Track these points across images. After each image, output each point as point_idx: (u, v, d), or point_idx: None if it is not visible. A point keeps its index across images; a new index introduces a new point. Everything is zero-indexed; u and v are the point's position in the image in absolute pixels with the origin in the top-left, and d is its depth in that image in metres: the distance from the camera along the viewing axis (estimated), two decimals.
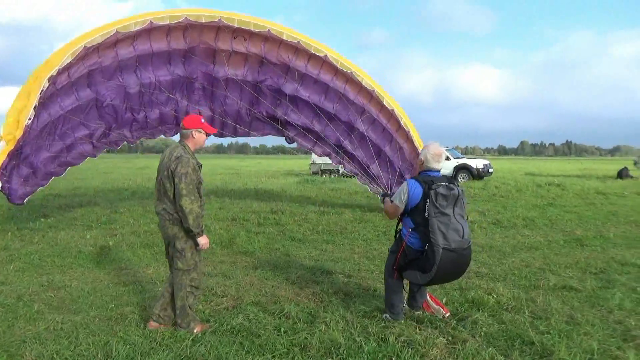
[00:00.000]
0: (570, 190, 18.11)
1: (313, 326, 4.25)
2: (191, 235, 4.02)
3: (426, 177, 4.10)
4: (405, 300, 4.62)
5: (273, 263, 6.81)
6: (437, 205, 3.90)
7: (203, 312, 4.62)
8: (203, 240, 4.08)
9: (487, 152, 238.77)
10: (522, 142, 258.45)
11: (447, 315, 4.51)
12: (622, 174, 26.80)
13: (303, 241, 8.51)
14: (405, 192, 4.09)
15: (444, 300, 4.96)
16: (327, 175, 28.62)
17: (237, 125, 10.17)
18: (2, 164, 6.46)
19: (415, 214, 4.08)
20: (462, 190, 4.05)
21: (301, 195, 16.22)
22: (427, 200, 3.94)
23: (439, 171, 4.24)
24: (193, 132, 4.14)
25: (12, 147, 6.51)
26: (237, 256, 7.32)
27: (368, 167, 10.46)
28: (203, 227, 4.06)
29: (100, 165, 47.86)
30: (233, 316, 4.48)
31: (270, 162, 65.09)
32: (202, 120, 4.24)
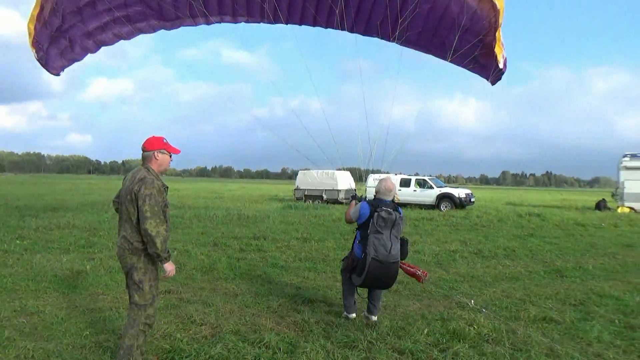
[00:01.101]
0: (550, 221, 18.37)
1: (293, 356, 4.18)
2: (157, 261, 3.79)
3: (375, 202, 5.14)
4: (355, 302, 5.49)
5: (254, 290, 6.72)
6: (377, 225, 4.84)
7: (181, 341, 4.51)
8: (170, 267, 3.85)
9: (469, 181, 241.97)
10: (503, 172, 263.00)
11: (426, 277, 5.40)
12: (600, 206, 27.34)
13: (285, 268, 8.43)
14: (357, 210, 5.14)
15: (426, 331, 4.95)
16: (310, 201, 28.62)
17: None
18: (34, 32, 5.99)
19: (362, 229, 5.08)
20: (400, 217, 4.95)
21: (284, 221, 16.14)
22: (371, 220, 4.89)
23: (388, 200, 5.20)
24: (155, 153, 3.92)
25: (37, 10, 6.00)
26: (218, 282, 7.21)
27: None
28: (169, 252, 3.85)
29: (81, 186, 47.18)
30: (211, 345, 4.39)
31: (254, 187, 64.91)
32: (164, 140, 4.00)
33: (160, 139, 3.98)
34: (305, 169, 31.47)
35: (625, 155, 26.91)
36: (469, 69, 6.27)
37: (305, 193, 29.73)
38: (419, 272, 5.31)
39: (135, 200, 3.70)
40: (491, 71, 5.91)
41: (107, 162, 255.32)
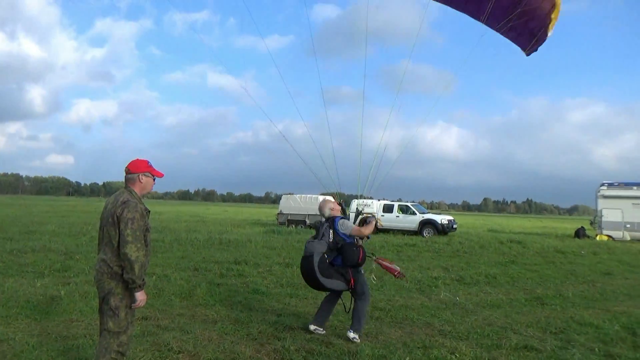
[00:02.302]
0: (531, 248, 18.54)
1: None
2: (131, 287, 3.67)
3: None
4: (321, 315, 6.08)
5: (234, 317, 6.59)
6: (315, 234, 5.98)
7: None
8: (141, 296, 3.74)
9: (452, 207, 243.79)
10: (485, 199, 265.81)
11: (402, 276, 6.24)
12: (579, 234, 27.76)
13: (266, 294, 8.31)
14: None
15: (407, 359, 4.90)
16: (293, 226, 28.47)
17: None
18: None
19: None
20: (324, 225, 5.91)
21: (267, 245, 15.99)
22: None
23: (325, 217, 6.08)
24: (140, 176, 3.92)
25: None
26: (197, 309, 7.06)
27: None
28: (145, 280, 3.77)
29: (59, 208, 46.24)
30: None
31: (237, 210, 64.35)
32: (149, 163, 4.01)
33: (145, 162, 3.98)
34: (289, 194, 31.44)
35: (602, 184, 27.53)
36: (507, 35, 5.54)
37: (289, 218, 29.59)
38: (395, 268, 6.10)
39: (117, 223, 3.65)
40: (534, 39, 5.25)
41: (88, 184, 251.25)
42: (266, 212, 56.97)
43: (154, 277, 9.05)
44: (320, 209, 6.20)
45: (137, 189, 3.92)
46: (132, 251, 3.59)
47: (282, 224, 29.57)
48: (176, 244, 14.91)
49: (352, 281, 5.73)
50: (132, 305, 3.77)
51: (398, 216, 26.80)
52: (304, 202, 29.57)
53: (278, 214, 30.65)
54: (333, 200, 6.54)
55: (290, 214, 29.71)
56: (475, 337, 5.98)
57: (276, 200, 32.65)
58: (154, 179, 4.03)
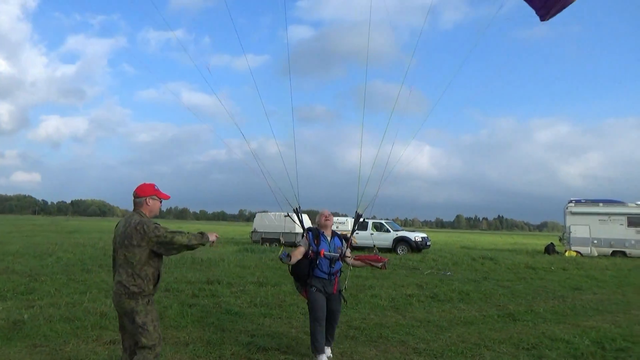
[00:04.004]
0: (502, 264, 18.83)
1: None
2: (204, 242, 4.06)
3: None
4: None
5: (206, 339, 6.43)
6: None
7: None
8: (212, 237, 4.16)
9: (425, 224, 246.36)
10: (457, 216, 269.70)
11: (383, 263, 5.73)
12: (549, 250, 28.37)
13: (239, 314, 8.16)
14: None
15: None
16: (267, 244, 28.23)
17: None
18: None
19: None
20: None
21: (240, 264, 15.78)
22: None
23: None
24: (147, 199, 4.14)
25: None
26: (168, 331, 6.86)
27: None
28: (201, 234, 4.12)
29: (24, 227, 44.66)
30: None
31: (210, 229, 63.32)
32: (155, 187, 4.23)
33: (152, 186, 4.22)
34: (263, 211, 31.23)
35: (570, 201, 28.30)
36: None
37: (263, 236, 29.33)
38: (377, 257, 5.88)
39: (140, 242, 3.86)
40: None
41: (55, 202, 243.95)
42: (240, 230, 56.39)
43: None
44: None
45: (145, 212, 4.14)
46: (181, 239, 3.91)
47: (256, 242, 29.28)
48: None
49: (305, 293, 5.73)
50: (213, 240, 4.16)
51: (372, 234, 26.90)
52: (278, 220, 29.39)
53: (252, 232, 30.37)
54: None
55: (265, 232, 29.48)
56: (449, 355, 6.00)
57: (250, 218, 32.38)
58: (160, 202, 4.27)
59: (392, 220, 30.95)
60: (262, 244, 28.27)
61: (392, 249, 25.58)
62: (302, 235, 5.85)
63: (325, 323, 5.57)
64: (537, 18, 5.02)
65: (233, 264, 15.90)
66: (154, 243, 3.88)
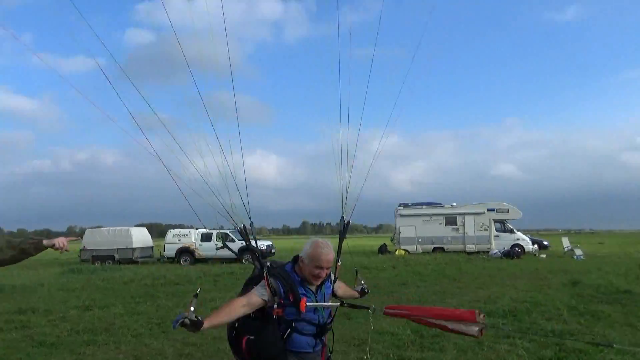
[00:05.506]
0: (343, 266, 19.87)
1: None
2: None
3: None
4: None
5: None
6: None
7: None
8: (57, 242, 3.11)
9: (273, 232, 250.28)
10: (303, 222, 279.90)
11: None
12: (382, 250, 30.98)
13: (56, 345, 7.13)
14: None
15: None
16: (99, 262, 25.66)
17: None
18: None
19: None
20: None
21: (64, 288, 13.99)
22: None
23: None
24: None
25: None
26: None
27: None
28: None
29: None
30: None
31: None
32: None
33: None
34: (97, 227, 28.40)
35: (399, 205, 31.30)
36: None
37: (94, 254, 26.59)
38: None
39: None
40: None
41: None
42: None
43: None
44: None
45: None
46: None
47: (85, 261, 26.37)
48: None
49: None
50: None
51: (216, 244, 26.28)
52: (112, 236, 26.97)
53: (81, 250, 27.30)
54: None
55: (96, 249, 26.78)
56: None
57: (81, 235, 29.22)
58: None
59: (237, 230, 30.69)
60: (93, 263, 25.59)
61: (237, 259, 25.32)
62: (253, 280, 3.23)
63: None
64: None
65: (54, 288, 14.03)
66: None
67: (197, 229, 27.32)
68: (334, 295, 3.43)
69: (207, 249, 25.89)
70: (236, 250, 25.56)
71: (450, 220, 30.18)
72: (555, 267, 19.76)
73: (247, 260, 25.14)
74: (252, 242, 3.42)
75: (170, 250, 26.45)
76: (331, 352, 3.50)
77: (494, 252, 27.27)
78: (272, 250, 26.82)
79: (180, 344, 7.02)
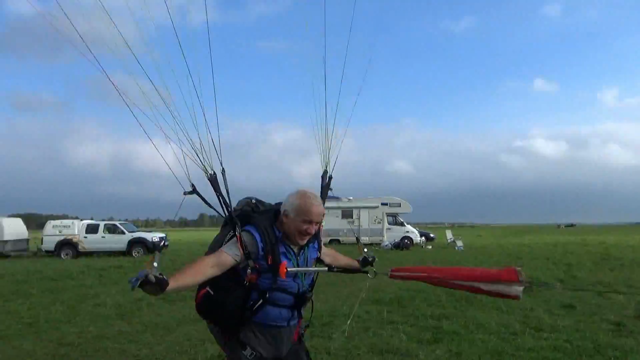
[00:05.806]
0: None
1: None
2: None
3: None
4: None
5: None
6: None
7: None
8: None
9: (169, 224, 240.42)
10: (201, 214, 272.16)
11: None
12: None
13: None
14: None
15: None
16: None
17: None
18: None
19: None
20: None
21: None
22: None
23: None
24: None
25: None
26: None
27: None
28: None
29: None
30: None
31: None
32: None
33: None
34: None
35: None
36: None
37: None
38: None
39: None
40: None
41: None
42: None
43: None
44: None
45: None
46: None
47: None
48: None
49: None
50: None
51: (104, 237, 24.60)
52: None
53: None
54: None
55: (12, 240, 23.93)
56: (172, 355, 5.84)
57: None
58: None
59: (132, 221, 29.01)
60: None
61: (126, 252, 23.92)
62: (225, 235, 2.88)
63: None
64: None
65: None
66: None
67: (81, 219, 25.38)
68: (319, 261, 3.02)
69: (93, 242, 24.15)
70: (126, 242, 24.23)
71: (347, 213, 31.29)
72: (439, 257, 21.41)
73: (137, 252, 23.93)
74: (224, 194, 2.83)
75: (49, 243, 24.19)
76: (307, 326, 3.05)
77: (385, 244, 28.80)
78: (166, 243, 25.74)
79: (55, 345, 6.48)
